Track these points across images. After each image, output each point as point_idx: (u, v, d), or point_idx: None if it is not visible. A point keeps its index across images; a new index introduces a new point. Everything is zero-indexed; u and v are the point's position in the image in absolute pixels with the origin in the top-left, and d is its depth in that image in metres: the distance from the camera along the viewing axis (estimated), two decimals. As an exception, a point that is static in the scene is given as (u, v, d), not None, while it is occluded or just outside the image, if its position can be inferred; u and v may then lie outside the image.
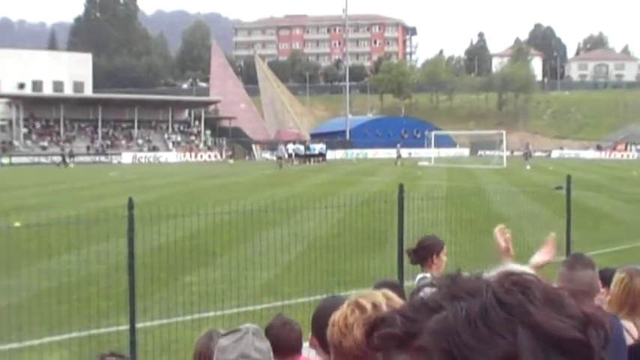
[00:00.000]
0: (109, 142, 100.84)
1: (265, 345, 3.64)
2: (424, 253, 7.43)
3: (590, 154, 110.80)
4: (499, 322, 1.09)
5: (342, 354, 2.76)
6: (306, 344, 4.45)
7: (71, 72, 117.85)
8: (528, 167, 67.98)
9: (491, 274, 1.21)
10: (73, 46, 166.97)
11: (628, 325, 5.19)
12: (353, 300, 2.89)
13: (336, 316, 2.88)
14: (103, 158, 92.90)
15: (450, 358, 1.09)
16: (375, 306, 2.76)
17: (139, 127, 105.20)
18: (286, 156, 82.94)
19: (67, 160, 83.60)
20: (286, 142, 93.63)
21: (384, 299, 2.78)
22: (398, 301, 2.81)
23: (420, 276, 7.33)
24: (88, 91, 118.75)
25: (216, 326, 5.93)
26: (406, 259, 11.06)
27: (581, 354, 1.08)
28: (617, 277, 5.44)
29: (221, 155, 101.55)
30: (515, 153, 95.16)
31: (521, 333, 1.08)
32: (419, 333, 1.12)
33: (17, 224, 15.13)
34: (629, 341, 5.08)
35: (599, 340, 1.11)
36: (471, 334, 1.09)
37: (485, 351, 1.07)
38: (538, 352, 1.07)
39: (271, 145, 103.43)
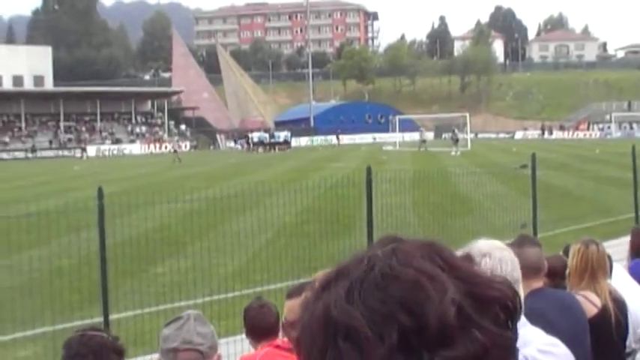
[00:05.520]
0: (71, 136, 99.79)
1: (208, 329, 3.68)
2: None
3: (553, 134, 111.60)
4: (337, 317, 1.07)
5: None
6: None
7: (30, 66, 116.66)
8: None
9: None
10: (32, 39, 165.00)
11: (590, 296, 5.31)
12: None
13: None
14: (66, 152, 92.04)
15: (306, 353, 1.09)
16: None
17: (101, 120, 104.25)
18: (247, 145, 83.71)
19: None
20: (250, 131, 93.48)
21: None
22: None
23: None
24: (49, 85, 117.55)
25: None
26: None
27: (358, 341, 1.02)
28: (573, 248, 5.58)
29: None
30: (479, 135, 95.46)
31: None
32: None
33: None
34: (593, 311, 5.21)
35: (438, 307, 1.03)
36: (315, 330, 1.09)
37: (310, 347, 1.08)
38: (320, 338, 1.06)
39: (236, 135, 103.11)
